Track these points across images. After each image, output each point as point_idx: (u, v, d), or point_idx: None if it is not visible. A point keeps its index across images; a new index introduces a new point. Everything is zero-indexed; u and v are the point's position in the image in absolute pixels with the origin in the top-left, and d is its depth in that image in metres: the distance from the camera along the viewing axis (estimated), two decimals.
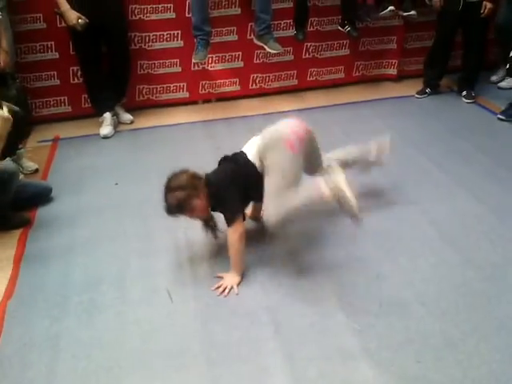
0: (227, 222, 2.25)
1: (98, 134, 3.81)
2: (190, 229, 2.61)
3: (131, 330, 2.10)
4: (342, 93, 4.41)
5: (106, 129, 3.83)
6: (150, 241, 2.64)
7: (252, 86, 4.34)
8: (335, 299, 2.20)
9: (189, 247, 2.57)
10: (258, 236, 2.59)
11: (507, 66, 3.92)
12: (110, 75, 3.85)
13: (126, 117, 4.04)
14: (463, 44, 4.13)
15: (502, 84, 4.38)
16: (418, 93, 4.32)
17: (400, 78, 4.57)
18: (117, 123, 3.97)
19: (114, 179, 3.21)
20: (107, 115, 3.85)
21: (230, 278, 2.28)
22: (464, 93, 4.20)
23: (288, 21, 4.10)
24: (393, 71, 4.55)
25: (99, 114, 3.89)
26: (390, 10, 4.05)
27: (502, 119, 3.83)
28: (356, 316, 2.11)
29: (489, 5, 3.79)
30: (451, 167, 3.21)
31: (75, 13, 3.40)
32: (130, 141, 3.76)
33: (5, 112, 2.35)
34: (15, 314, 2.20)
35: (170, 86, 4.20)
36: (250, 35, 4.07)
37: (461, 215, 2.75)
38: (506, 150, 3.41)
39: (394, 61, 4.50)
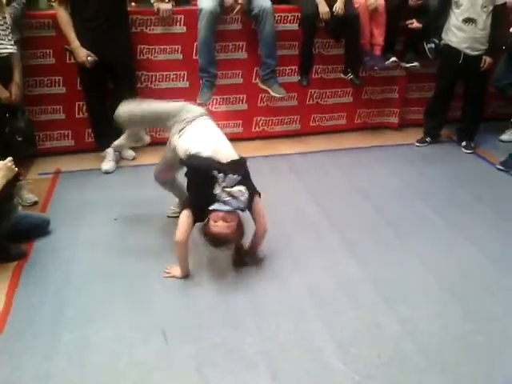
0: None
1: (100, 169, 3.82)
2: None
3: (124, 371, 2.04)
4: (344, 139, 4.46)
5: (107, 164, 3.84)
6: (146, 279, 2.59)
7: (255, 128, 4.39)
8: (334, 347, 2.15)
9: (186, 288, 2.53)
10: (252, 274, 2.62)
11: None
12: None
13: (129, 153, 4.05)
14: (463, 96, 4.22)
15: (504, 137, 4.43)
16: (418, 141, 4.37)
17: (401, 126, 4.64)
18: (119, 159, 3.98)
19: (113, 215, 3.19)
20: (110, 150, 3.86)
21: (176, 270, 2.63)
22: (463, 143, 4.26)
23: (293, 67, 4.18)
24: (394, 120, 4.62)
25: (102, 149, 3.91)
26: (392, 61, 4.16)
27: (501, 169, 3.87)
28: (354, 365, 2.06)
29: (488, 59, 3.89)
30: (451, 215, 3.21)
31: (85, 50, 3.48)
32: (132, 177, 3.76)
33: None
34: (4, 351, 2.14)
35: None
36: (255, 79, 4.14)
37: (461, 265, 2.73)
38: (504, 201, 3.43)
39: (395, 110, 4.57)
